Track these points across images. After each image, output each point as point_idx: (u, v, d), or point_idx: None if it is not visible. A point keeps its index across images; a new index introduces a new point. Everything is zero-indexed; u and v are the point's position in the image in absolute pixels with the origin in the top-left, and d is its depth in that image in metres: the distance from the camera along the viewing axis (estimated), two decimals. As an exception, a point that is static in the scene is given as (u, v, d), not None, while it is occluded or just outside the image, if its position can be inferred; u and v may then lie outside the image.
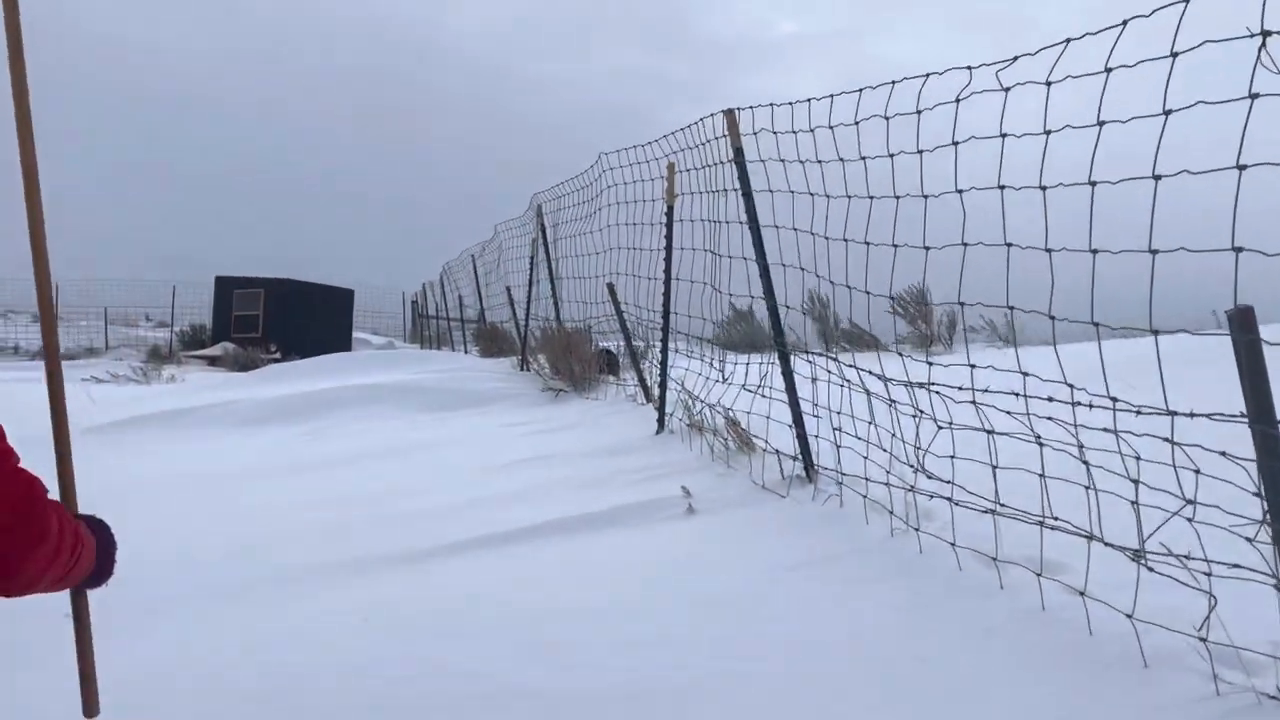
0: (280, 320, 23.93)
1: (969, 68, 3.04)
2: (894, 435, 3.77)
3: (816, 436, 4.49)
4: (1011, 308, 2.97)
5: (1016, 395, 3.00)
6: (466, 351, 18.65)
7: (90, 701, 1.79)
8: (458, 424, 7.64)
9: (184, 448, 7.30)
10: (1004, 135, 2.93)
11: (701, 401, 5.49)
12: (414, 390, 8.67)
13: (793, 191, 4.30)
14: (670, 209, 5.90)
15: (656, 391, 6.17)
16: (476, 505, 4.74)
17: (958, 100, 3.10)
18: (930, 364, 3.57)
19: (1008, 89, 2.91)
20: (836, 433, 4.22)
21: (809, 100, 4.02)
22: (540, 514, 4.43)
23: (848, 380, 4.18)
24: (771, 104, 4.44)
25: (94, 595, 1.74)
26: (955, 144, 3.13)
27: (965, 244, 3.09)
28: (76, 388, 14.71)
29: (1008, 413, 3.10)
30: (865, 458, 4.00)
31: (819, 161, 4.01)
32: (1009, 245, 2.92)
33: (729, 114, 4.85)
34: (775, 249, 4.65)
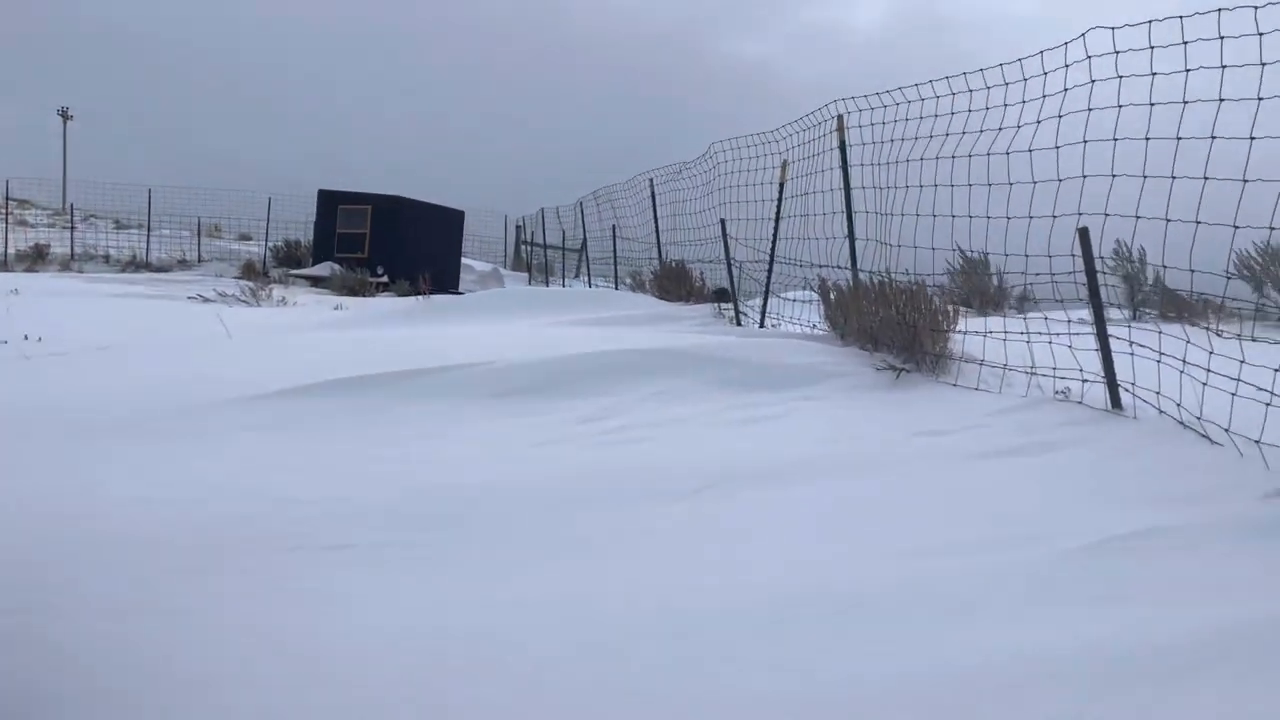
0: (387, 241, 21.62)
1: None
2: None
3: None
4: None
5: None
6: (616, 287, 16.22)
7: None
8: (801, 421, 5.10)
9: (437, 437, 4.90)
10: None
11: None
12: (699, 359, 6.13)
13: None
14: None
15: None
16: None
17: None
18: None
19: None
20: None
21: None
22: None
23: None
24: None
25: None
26: None
27: None
28: (200, 309, 12.43)
29: None
30: None
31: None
32: None
33: None
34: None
